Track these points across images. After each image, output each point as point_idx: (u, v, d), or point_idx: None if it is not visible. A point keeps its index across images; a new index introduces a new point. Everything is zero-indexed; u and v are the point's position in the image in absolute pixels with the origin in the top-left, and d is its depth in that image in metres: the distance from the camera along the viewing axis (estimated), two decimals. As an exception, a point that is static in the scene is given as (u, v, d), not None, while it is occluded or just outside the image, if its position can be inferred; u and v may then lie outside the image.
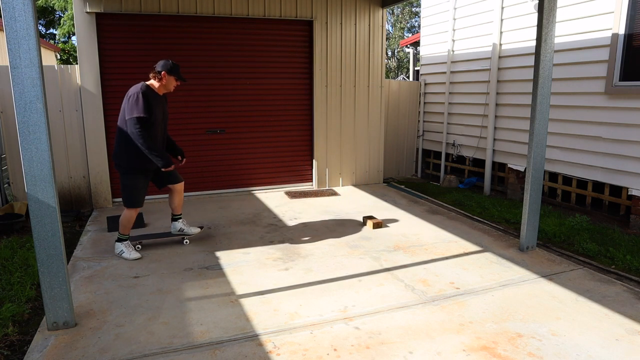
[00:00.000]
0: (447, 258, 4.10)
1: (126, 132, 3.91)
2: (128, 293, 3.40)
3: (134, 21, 5.70)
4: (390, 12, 24.45)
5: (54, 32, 23.12)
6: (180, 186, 4.38)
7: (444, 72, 7.63)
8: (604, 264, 4.07)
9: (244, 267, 3.89)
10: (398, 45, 23.40)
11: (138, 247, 4.30)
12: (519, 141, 6.30)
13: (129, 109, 3.84)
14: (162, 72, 3.98)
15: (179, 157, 4.45)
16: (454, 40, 7.41)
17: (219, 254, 4.19)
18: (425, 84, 8.12)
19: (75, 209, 5.72)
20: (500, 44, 6.51)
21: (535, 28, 3.99)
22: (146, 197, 5.90)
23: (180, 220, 4.52)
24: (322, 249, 4.33)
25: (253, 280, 3.63)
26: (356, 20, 6.69)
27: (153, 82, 4.04)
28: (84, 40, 5.45)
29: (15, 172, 5.43)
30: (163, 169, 4.04)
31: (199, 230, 4.60)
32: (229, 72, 6.20)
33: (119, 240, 4.18)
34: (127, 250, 4.15)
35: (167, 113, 4.24)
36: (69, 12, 21.72)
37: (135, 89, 3.90)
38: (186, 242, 4.53)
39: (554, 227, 4.94)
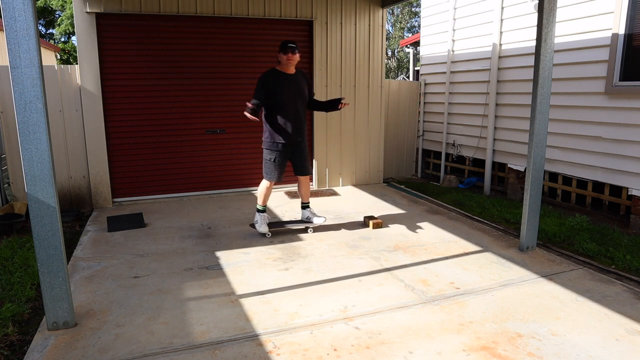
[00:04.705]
0: (447, 258, 4.11)
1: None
2: (128, 293, 3.40)
3: (134, 21, 5.70)
4: (390, 12, 24.46)
5: (54, 32, 23.14)
6: (303, 178, 4.80)
7: (444, 72, 7.63)
8: (604, 264, 4.07)
9: (244, 267, 3.89)
10: (398, 45, 23.40)
11: (268, 235, 4.63)
12: (519, 141, 6.30)
13: None
14: (278, 54, 4.39)
15: (341, 103, 4.62)
16: (454, 40, 7.41)
17: (219, 253, 4.19)
18: (425, 84, 8.12)
19: (75, 209, 5.71)
20: (500, 44, 6.51)
21: (535, 28, 3.99)
22: (145, 198, 6.07)
23: (308, 209, 4.87)
24: (322, 249, 4.33)
25: (253, 280, 3.63)
26: (356, 20, 6.69)
27: (280, 64, 4.44)
28: (84, 40, 5.45)
29: (15, 172, 5.43)
30: (245, 112, 4.20)
31: (324, 219, 4.84)
32: (229, 72, 6.20)
33: (258, 210, 4.65)
34: (261, 222, 4.63)
35: (301, 89, 4.51)
36: (67, 11, 21.73)
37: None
38: (310, 230, 4.78)
39: (554, 227, 4.94)
